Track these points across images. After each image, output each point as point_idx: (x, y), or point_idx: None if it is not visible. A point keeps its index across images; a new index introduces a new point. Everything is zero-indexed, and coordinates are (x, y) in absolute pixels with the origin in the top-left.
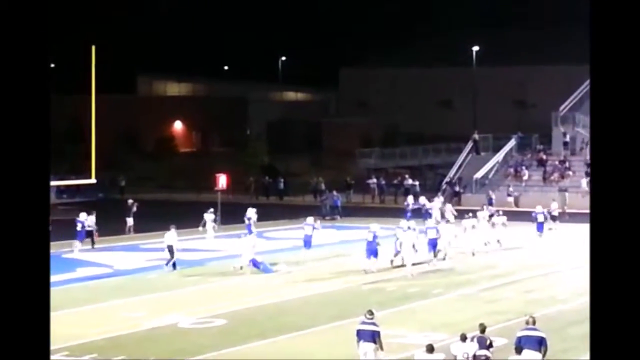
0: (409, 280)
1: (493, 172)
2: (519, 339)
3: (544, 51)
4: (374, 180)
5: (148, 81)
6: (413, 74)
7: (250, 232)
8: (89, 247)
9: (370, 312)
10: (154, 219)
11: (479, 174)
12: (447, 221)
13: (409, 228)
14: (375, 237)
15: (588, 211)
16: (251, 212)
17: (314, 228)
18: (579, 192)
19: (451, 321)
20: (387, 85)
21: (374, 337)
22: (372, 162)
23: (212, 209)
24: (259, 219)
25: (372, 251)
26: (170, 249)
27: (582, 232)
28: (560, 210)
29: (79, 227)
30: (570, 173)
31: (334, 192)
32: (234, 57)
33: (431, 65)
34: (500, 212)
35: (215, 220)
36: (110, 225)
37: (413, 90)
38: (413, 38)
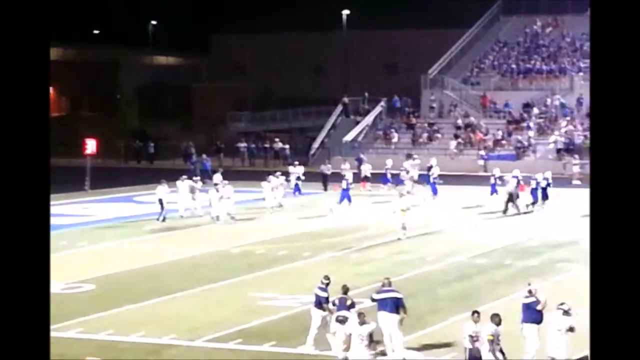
0: (277, 244)
1: (362, 135)
2: (373, 300)
3: (414, 15)
4: (244, 143)
5: None
6: (285, 39)
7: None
8: None
9: (326, 278)
10: None
11: (348, 137)
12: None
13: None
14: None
15: (456, 173)
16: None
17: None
18: (447, 154)
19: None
20: (259, 51)
21: (320, 303)
22: (242, 126)
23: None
24: (130, 183)
25: None
26: (161, 202)
27: (447, 194)
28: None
29: None
30: (439, 135)
31: (204, 156)
32: (103, 21)
33: (303, 30)
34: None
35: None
36: None
37: (285, 55)
38: (284, 3)
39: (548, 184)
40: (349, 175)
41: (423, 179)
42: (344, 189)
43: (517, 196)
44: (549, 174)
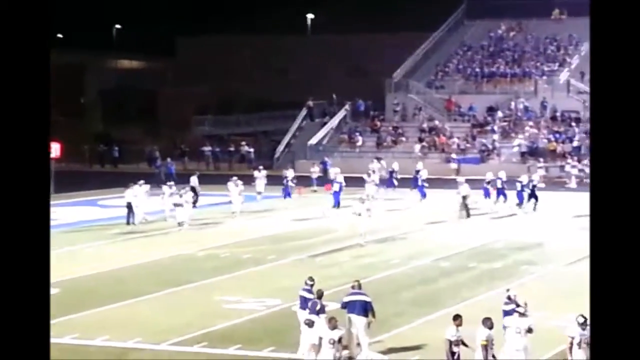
0: (242, 247)
1: (327, 138)
2: (344, 305)
3: (379, 19)
4: (209, 147)
5: None
6: (250, 42)
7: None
8: None
9: (311, 279)
10: None
11: (313, 140)
12: None
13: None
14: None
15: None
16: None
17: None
18: (411, 157)
19: (286, 286)
20: (224, 54)
21: (306, 303)
22: (207, 130)
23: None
24: (94, 187)
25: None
26: (129, 206)
27: (414, 197)
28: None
29: None
30: (404, 139)
31: (169, 160)
32: (67, 25)
33: (269, 33)
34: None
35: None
36: None
37: (250, 59)
38: (250, 6)
39: (534, 186)
40: (340, 179)
41: (411, 182)
42: (335, 192)
43: (503, 199)
44: (535, 177)
